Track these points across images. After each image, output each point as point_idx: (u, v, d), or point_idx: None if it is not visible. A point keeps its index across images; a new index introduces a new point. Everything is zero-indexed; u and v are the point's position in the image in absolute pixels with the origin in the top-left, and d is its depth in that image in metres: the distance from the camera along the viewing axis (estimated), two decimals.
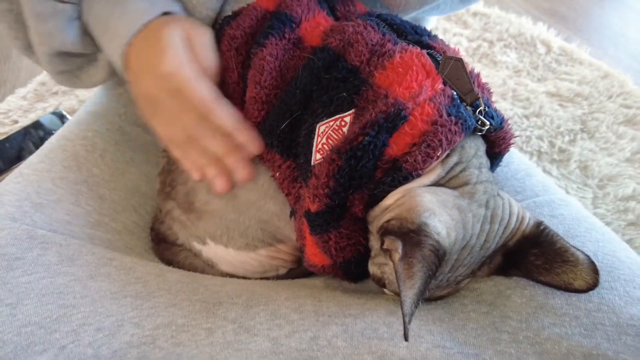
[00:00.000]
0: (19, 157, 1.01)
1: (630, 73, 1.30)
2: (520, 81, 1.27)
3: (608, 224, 0.95)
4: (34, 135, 1.05)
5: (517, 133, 1.13)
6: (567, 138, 1.12)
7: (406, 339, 0.35)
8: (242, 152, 0.53)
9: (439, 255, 0.38)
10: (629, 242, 0.91)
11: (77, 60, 0.61)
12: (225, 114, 0.52)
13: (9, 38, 0.60)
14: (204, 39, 0.55)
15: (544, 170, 1.05)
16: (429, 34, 0.53)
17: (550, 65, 1.33)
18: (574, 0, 1.62)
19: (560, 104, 1.21)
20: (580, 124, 1.16)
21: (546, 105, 1.20)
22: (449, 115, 0.42)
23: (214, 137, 0.52)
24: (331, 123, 0.46)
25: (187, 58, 0.52)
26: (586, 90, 1.24)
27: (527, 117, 1.17)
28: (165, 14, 0.55)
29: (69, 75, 0.62)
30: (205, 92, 0.51)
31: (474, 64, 1.33)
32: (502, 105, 1.19)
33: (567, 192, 1.01)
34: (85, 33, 0.58)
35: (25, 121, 1.16)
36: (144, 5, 0.54)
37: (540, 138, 1.12)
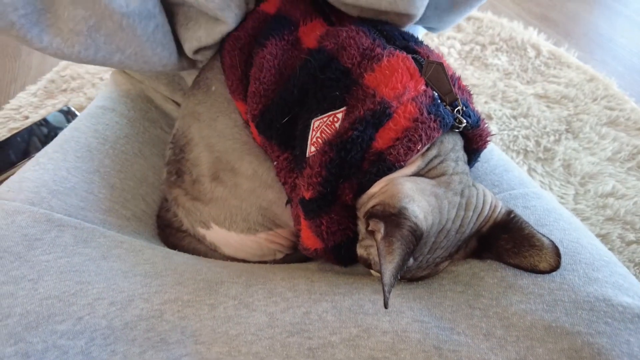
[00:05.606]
0: (26, 152, 1.05)
1: (615, 76, 1.34)
2: (510, 83, 1.31)
3: (587, 219, 0.99)
4: (38, 132, 1.08)
5: (504, 132, 1.18)
6: (552, 138, 1.17)
7: (386, 306, 0.39)
8: None
9: (417, 235, 0.43)
10: (606, 235, 0.95)
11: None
12: None
13: None
14: None
15: (529, 168, 1.10)
16: (415, 40, 0.57)
17: (539, 68, 1.37)
18: (565, 6, 1.66)
19: (547, 105, 1.26)
20: (566, 125, 1.20)
21: (534, 106, 1.24)
22: (429, 113, 0.47)
23: None
24: (325, 119, 0.50)
25: None
26: (572, 92, 1.28)
27: (515, 117, 1.22)
28: None
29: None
30: None
31: (466, 67, 1.37)
32: (491, 106, 1.23)
33: (550, 189, 1.06)
34: None
35: (35, 117, 1.19)
36: None
37: (526, 137, 1.17)
